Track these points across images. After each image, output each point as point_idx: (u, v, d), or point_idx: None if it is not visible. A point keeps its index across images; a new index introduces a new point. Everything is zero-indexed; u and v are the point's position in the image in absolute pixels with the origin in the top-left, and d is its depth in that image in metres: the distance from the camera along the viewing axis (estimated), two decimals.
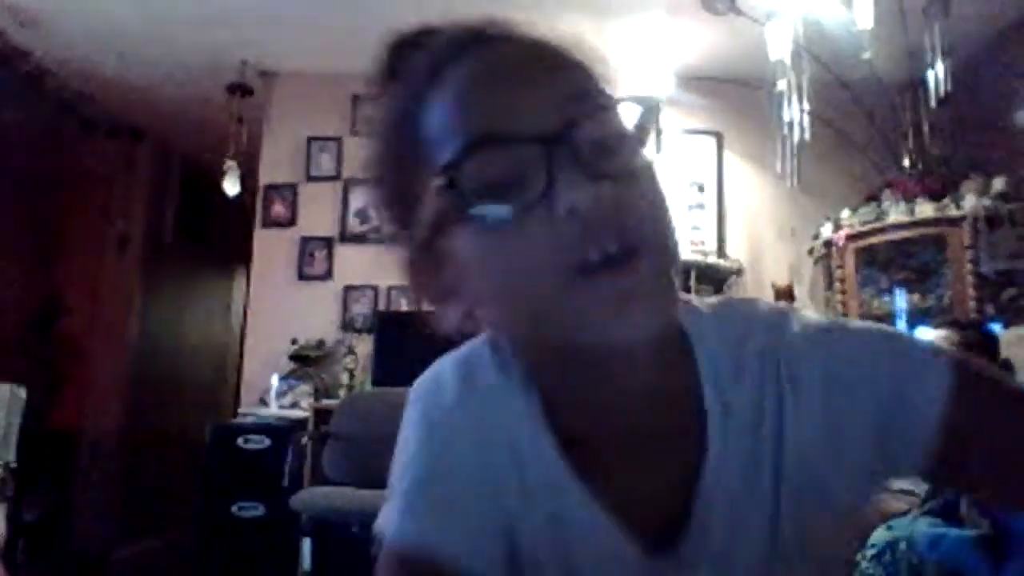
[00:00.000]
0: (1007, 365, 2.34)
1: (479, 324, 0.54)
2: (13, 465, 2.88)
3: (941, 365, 0.50)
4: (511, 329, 0.52)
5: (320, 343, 3.85)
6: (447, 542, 0.51)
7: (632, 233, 0.44)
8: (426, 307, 0.55)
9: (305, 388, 3.71)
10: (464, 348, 0.61)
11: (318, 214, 4.08)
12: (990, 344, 2.43)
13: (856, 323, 0.55)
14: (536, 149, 0.44)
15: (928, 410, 0.48)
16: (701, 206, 4.08)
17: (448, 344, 0.62)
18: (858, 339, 0.52)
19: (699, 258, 3.80)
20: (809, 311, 0.56)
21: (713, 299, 0.57)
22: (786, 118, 3.32)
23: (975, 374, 0.50)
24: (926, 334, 2.76)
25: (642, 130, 0.48)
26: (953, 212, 3.28)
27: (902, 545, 1.54)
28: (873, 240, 3.52)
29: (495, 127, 0.45)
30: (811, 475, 0.50)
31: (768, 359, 0.51)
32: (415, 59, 0.53)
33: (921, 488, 2.22)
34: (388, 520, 0.54)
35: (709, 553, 0.51)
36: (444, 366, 0.61)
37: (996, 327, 2.74)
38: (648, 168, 0.47)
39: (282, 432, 3.34)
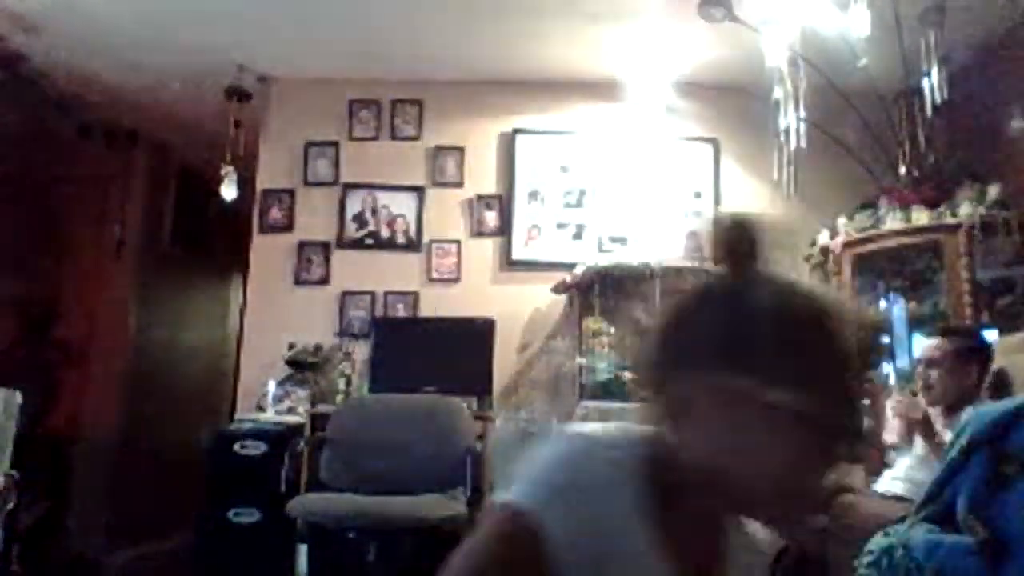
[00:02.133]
0: (1001, 375, 2.35)
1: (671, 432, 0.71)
2: (16, 476, 2.88)
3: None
4: (713, 470, 0.68)
5: (317, 348, 3.85)
6: (556, 528, 0.64)
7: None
8: (678, 412, 0.70)
9: (302, 393, 3.70)
10: (602, 430, 0.74)
11: (315, 219, 4.08)
12: (983, 352, 2.44)
13: None
14: (839, 431, 0.68)
15: None
16: (698, 213, 4.09)
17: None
18: None
19: (696, 265, 3.81)
20: None
21: None
22: (782, 125, 3.33)
23: None
24: (921, 342, 2.78)
25: None
26: (949, 220, 3.30)
27: (899, 552, 1.54)
28: (869, 247, 3.53)
29: (836, 404, 0.67)
30: None
31: None
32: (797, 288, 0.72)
33: (916, 494, 2.22)
34: (517, 488, 0.67)
35: None
36: (577, 448, 0.73)
37: (991, 334, 2.75)
38: None
39: (279, 438, 3.34)
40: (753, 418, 0.67)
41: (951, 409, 2.36)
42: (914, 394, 2.36)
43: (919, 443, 2.32)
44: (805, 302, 0.70)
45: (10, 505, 2.85)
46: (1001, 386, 2.31)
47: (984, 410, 1.57)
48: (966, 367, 2.36)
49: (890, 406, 2.39)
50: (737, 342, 0.69)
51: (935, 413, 2.36)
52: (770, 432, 0.67)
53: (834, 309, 0.70)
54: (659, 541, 0.69)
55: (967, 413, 2.11)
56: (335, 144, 4.15)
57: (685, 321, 0.72)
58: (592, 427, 0.74)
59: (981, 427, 1.46)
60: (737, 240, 0.73)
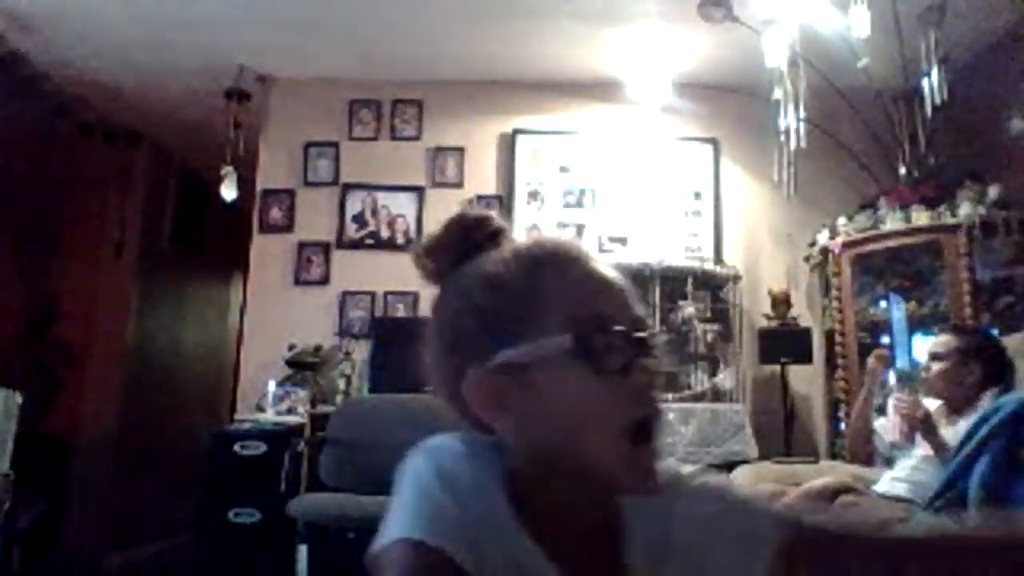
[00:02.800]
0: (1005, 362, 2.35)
1: (503, 429, 0.68)
2: (11, 476, 2.87)
3: (775, 528, 0.72)
4: (545, 445, 0.66)
5: (317, 348, 3.85)
6: (454, 544, 0.62)
7: (662, 414, 0.68)
8: (477, 411, 0.68)
9: (302, 393, 3.70)
10: (461, 444, 0.72)
11: (315, 219, 4.08)
12: (993, 348, 2.44)
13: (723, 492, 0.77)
14: (634, 339, 0.65)
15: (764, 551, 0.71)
16: (698, 213, 4.09)
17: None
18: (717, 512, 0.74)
19: (696, 265, 3.81)
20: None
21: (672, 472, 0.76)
22: (782, 125, 3.33)
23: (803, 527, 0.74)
24: (925, 342, 2.78)
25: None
26: (949, 220, 3.30)
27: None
28: (869, 247, 3.53)
29: (615, 315, 0.66)
30: None
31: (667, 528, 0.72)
32: (518, 244, 0.73)
33: (918, 495, 2.22)
34: (392, 527, 0.65)
35: None
36: (440, 449, 0.72)
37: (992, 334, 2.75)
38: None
39: (279, 438, 3.33)
40: (532, 385, 0.65)
41: (954, 410, 2.36)
42: (915, 393, 2.37)
43: (921, 443, 2.32)
44: (520, 255, 0.70)
45: (6, 505, 2.85)
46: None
47: (1004, 400, 1.57)
48: (968, 366, 2.36)
49: (891, 405, 2.39)
50: (467, 323, 0.69)
51: (937, 413, 2.36)
52: (552, 389, 0.65)
53: (552, 248, 0.70)
54: (537, 539, 0.66)
55: (985, 402, 2.11)
56: (335, 144, 4.15)
57: (436, 326, 0.72)
58: (435, 439, 0.74)
59: (1004, 416, 1.46)
60: (460, 234, 0.74)
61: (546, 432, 0.66)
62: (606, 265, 0.71)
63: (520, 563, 0.65)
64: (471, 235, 0.74)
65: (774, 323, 3.82)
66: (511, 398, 0.66)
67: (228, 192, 4.00)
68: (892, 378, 2.49)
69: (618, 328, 0.65)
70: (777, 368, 3.71)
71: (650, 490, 0.66)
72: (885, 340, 3.54)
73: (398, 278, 4.00)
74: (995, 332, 2.82)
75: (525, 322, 0.66)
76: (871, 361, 2.71)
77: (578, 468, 0.65)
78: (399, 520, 0.65)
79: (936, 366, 2.41)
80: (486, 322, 0.68)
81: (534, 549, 0.66)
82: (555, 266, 0.69)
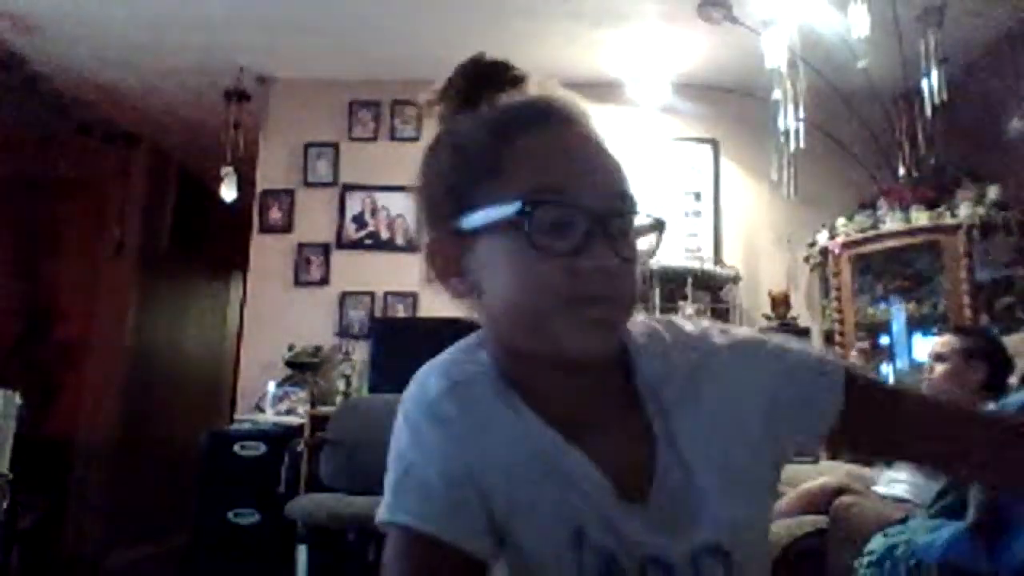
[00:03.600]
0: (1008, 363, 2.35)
1: (474, 307, 0.66)
2: (9, 477, 2.87)
3: (836, 368, 0.69)
4: (506, 320, 0.64)
5: (317, 349, 3.85)
6: (441, 528, 0.61)
7: (617, 295, 0.62)
8: (435, 278, 0.67)
9: (301, 394, 3.70)
10: (444, 354, 0.70)
11: (315, 220, 4.08)
12: (996, 348, 2.44)
13: (773, 339, 0.72)
14: (590, 217, 0.60)
15: (828, 399, 0.68)
16: (697, 213, 4.09)
17: (439, 347, 0.71)
18: (767, 347, 0.70)
19: (695, 265, 3.81)
20: (741, 328, 0.74)
21: (654, 320, 0.73)
22: (782, 126, 3.33)
23: (860, 375, 0.70)
24: (926, 342, 2.78)
25: (648, 236, 0.66)
26: (948, 220, 3.30)
27: (900, 549, 1.55)
28: (868, 248, 3.53)
29: (571, 189, 0.61)
30: (720, 443, 0.66)
31: (694, 363, 0.68)
32: (502, 100, 0.69)
33: (918, 496, 2.22)
34: (381, 509, 0.64)
35: (669, 499, 0.65)
36: (424, 370, 0.69)
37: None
38: (642, 256, 0.65)
39: (278, 438, 3.33)
40: (480, 254, 0.63)
41: None
42: None
43: None
44: (494, 112, 0.67)
45: (4, 505, 2.85)
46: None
47: (1009, 400, 1.57)
48: (970, 367, 2.36)
49: None
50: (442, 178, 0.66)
51: None
52: (495, 260, 0.62)
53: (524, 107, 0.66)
54: (549, 423, 0.64)
55: (990, 404, 2.11)
56: (335, 145, 4.15)
57: (416, 183, 0.70)
58: (421, 369, 0.69)
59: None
60: (467, 77, 0.71)
61: (499, 306, 0.63)
62: (596, 133, 0.66)
63: (546, 457, 0.63)
64: (481, 80, 0.70)
65: (774, 323, 3.82)
66: (466, 267, 0.64)
67: (228, 192, 4.00)
68: (891, 378, 2.49)
69: (572, 203, 0.60)
70: None
71: (600, 340, 0.61)
72: (885, 340, 3.54)
73: (398, 278, 3.99)
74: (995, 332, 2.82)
75: (483, 188, 0.62)
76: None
77: (538, 340, 0.62)
78: (390, 490, 0.65)
79: (939, 367, 2.41)
80: (449, 184, 0.65)
81: (547, 433, 0.64)
82: (526, 126, 0.64)
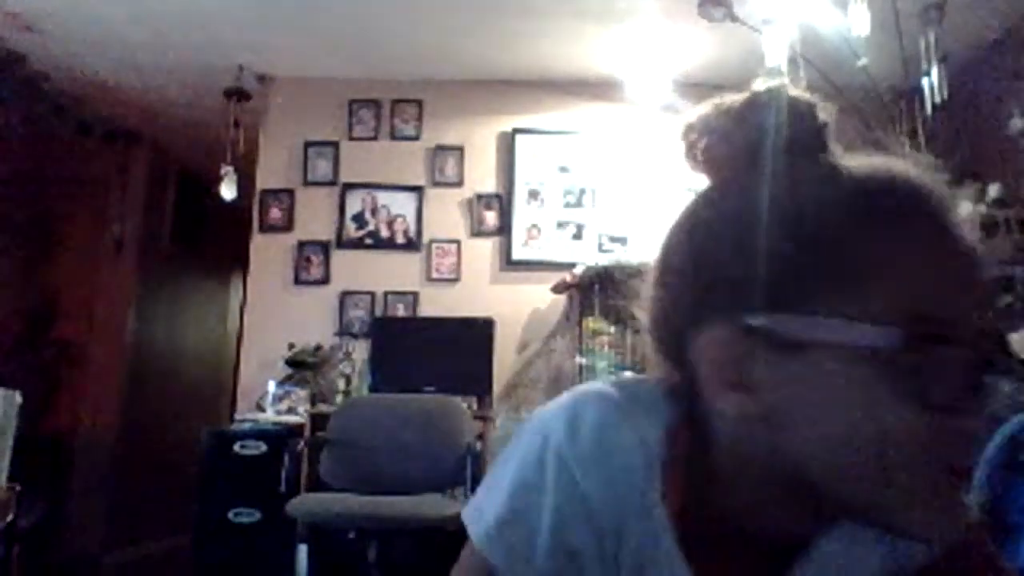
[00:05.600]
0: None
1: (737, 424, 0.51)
2: (16, 488, 2.88)
3: None
4: (822, 460, 0.48)
5: (317, 348, 3.85)
6: (510, 554, 0.53)
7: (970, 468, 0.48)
8: (707, 380, 0.51)
9: (302, 393, 3.70)
10: (615, 388, 0.56)
11: (315, 219, 4.08)
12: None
13: None
14: (981, 364, 0.46)
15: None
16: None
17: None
18: None
19: None
20: None
21: None
22: None
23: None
24: None
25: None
26: None
27: None
28: None
29: (956, 321, 0.46)
30: None
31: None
32: (854, 167, 0.52)
33: None
34: (478, 522, 0.55)
35: None
36: (584, 407, 0.55)
37: None
38: None
39: (278, 437, 3.33)
40: (799, 369, 0.47)
41: None
42: None
43: None
44: (849, 182, 0.50)
45: (9, 517, 2.85)
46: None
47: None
48: None
49: None
50: (782, 262, 0.48)
51: None
52: (834, 392, 0.46)
53: (921, 191, 0.50)
54: (681, 535, 0.53)
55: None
56: (335, 144, 4.15)
57: (685, 247, 0.54)
58: (584, 387, 0.56)
59: (1018, 424, 1.46)
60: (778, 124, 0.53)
61: (814, 443, 0.47)
62: (966, 232, 0.49)
63: (646, 564, 0.53)
64: (772, 129, 0.53)
65: None
66: (758, 376, 0.48)
67: (228, 191, 3.99)
68: None
69: (961, 342, 0.45)
70: None
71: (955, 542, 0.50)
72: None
73: (398, 278, 4.00)
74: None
75: (825, 283, 0.46)
76: None
77: (858, 495, 0.47)
78: (485, 488, 0.56)
79: None
80: (770, 267, 0.48)
81: (673, 553, 0.52)
82: (899, 214, 0.48)
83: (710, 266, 0.51)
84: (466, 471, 2.83)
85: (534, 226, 4.06)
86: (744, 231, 0.49)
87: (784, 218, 0.48)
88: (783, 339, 0.47)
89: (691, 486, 0.53)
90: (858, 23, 2.89)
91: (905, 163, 0.53)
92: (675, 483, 0.53)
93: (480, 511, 0.55)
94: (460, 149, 4.15)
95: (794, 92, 0.56)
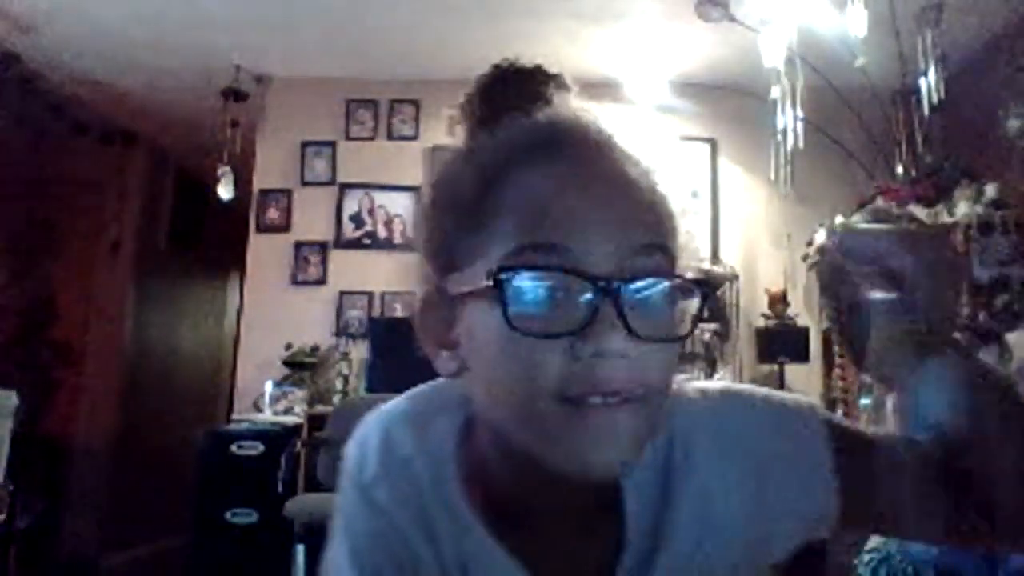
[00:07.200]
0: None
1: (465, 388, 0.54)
2: (9, 487, 2.88)
3: (822, 433, 0.56)
4: (490, 414, 0.51)
5: (314, 349, 3.84)
6: None
7: (637, 391, 0.46)
8: (422, 346, 0.54)
9: (299, 394, 3.70)
10: (404, 401, 0.61)
11: (312, 219, 4.07)
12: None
13: (745, 394, 0.60)
14: (589, 286, 0.45)
15: (819, 475, 0.55)
16: (695, 212, 4.09)
17: None
18: (744, 414, 0.57)
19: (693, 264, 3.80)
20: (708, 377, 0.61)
21: None
22: (780, 125, 3.33)
23: (844, 429, 0.58)
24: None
25: (698, 311, 0.50)
26: (946, 219, 3.30)
27: (896, 559, 1.55)
28: None
29: (570, 246, 0.46)
30: (693, 548, 0.54)
31: (665, 444, 0.55)
32: (508, 122, 0.52)
33: None
34: (332, 540, 0.60)
35: None
36: (371, 431, 0.61)
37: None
38: (682, 336, 0.49)
39: (276, 438, 3.33)
40: (462, 324, 0.49)
41: None
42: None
43: None
44: (492, 141, 0.51)
45: (1, 516, 2.85)
46: None
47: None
48: None
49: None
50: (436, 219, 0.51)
51: None
52: (473, 335, 0.48)
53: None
54: (498, 526, 0.53)
55: None
56: (332, 144, 4.14)
57: (418, 225, 0.55)
58: (385, 406, 0.60)
59: None
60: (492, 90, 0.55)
61: (481, 396, 0.50)
62: (617, 168, 0.50)
63: (467, 560, 0.53)
64: (498, 95, 0.55)
65: (772, 322, 3.82)
66: (456, 339, 0.51)
67: (225, 192, 3.99)
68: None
69: (568, 266, 0.45)
70: (775, 367, 3.72)
71: (603, 464, 0.47)
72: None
73: (396, 278, 3.99)
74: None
75: (466, 243, 0.49)
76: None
77: (527, 444, 0.47)
78: (334, 535, 0.61)
79: None
80: (441, 232, 0.51)
81: (487, 542, 0.53)
82: (520, 163, 0.49)
83: (415, 237, 0.55)
84: None
85: None
86: (429, 203, 0.53)
87: (440, 185, 0.52)
88: (452, 297, 0.49)
89: (488, 472, 0.53)
90: (856, 23, 2.89)
91: (569, 109, 0.53)
92: (478, 474, 0.54)
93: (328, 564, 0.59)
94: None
95: (521, 63, 0.57)
